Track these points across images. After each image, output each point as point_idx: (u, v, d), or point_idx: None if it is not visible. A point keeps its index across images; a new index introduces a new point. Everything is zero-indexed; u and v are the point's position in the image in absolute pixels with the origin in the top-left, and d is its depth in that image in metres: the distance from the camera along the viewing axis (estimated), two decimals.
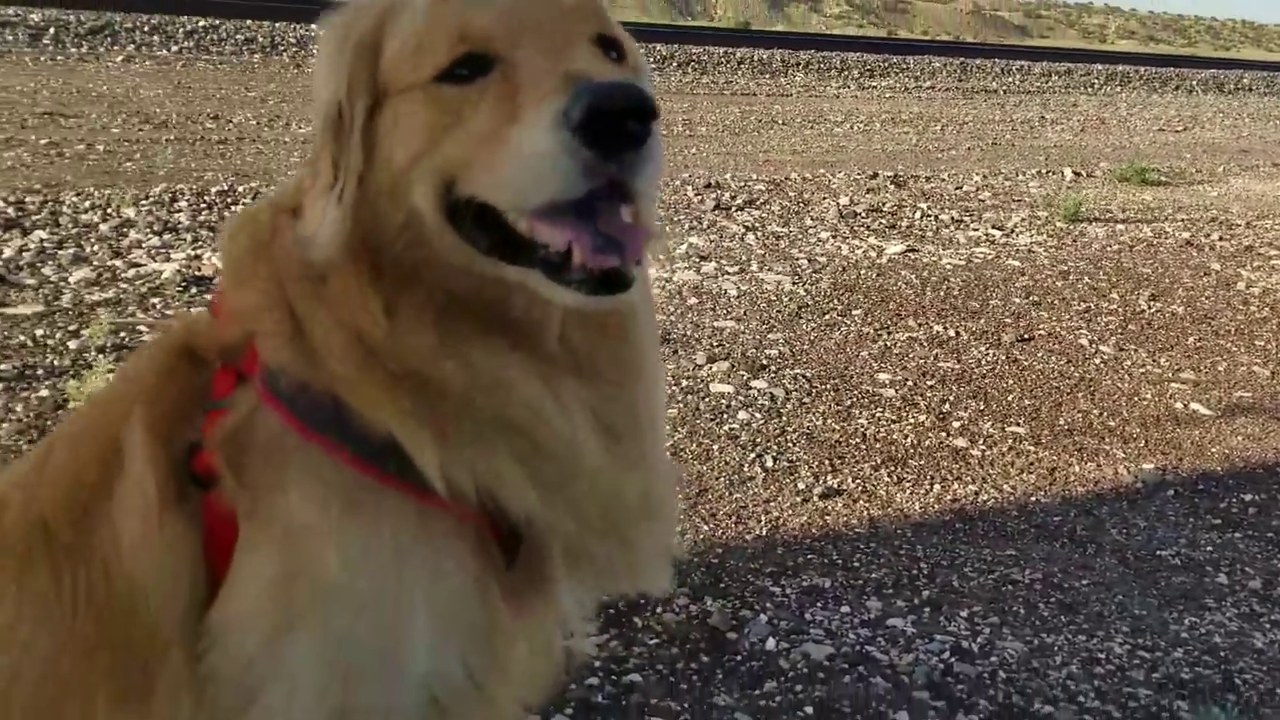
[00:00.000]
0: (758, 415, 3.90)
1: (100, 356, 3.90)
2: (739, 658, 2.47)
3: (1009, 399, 4.25)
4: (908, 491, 3.40)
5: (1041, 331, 5.14)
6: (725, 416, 3.88)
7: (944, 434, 3.87)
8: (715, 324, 4.89)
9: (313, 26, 16.29)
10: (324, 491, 1.27)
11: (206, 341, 1.38)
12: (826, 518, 3.20)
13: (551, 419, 1.28)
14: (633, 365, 1.39)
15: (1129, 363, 4.79)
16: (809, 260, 6.18)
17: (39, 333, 4.14)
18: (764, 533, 3.07)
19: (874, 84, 19.25)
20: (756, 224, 7.03)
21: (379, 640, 1.27)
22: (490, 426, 1.27)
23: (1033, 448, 3.81)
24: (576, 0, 1.29)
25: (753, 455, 3.57)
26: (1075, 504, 3.41)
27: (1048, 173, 10.25)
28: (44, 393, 3.63)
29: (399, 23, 1.29)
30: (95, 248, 5.25)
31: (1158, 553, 3.12)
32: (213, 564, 1.30)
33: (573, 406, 1.30)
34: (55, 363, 3.88)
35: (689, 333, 4.74)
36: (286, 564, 1.26)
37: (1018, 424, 4.01)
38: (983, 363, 4.64)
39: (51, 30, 13.89)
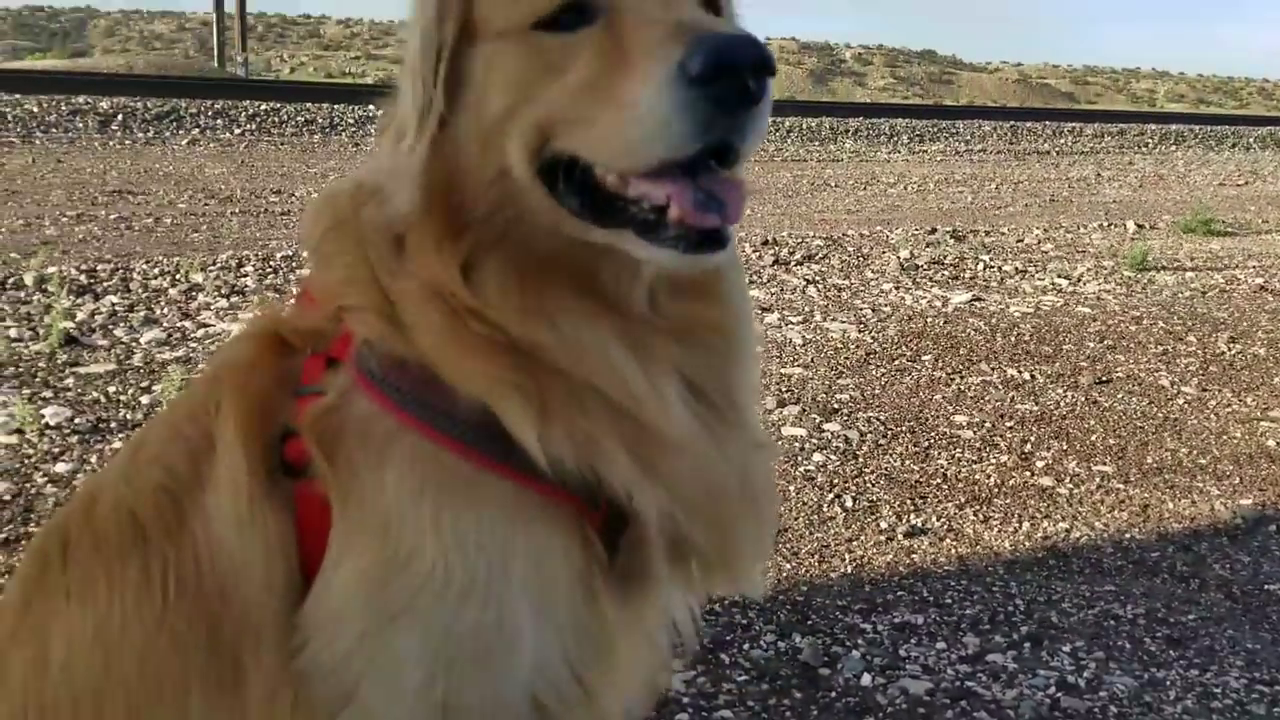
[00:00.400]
0: (833, 457, 3.81)
1: None
2: (834, 694, 2.36)
3: (1092, 439, 4.11)
4: (995, 530, 3.28)
5: (1119, 374, 5.00)
6: (800, 459, 3.79)
7: (1028, 473, 3.74)
8: (783, 371, 4.81)
9: (370, 108, 16.66)
10: (420, 477, 1.22)
11: (294, 327, 1.36)
12: (913, 556, 3.08)
13: (638, 385, 1.23)
14: (726, 329, 1.34)
15: (1214, 402, 4.63)
16: (873, 309, 6.10)
17: (112, 389, 4.17)
18: (849, 570, 2.96)
19: (924, 148, 19.23)
20: (816, 277, 6.97)
21: (481, 634, 1.21)
22: (584, 393, 1.22)
23: (1122, 485, 3.67)
24: None
25: (831, 495, 3.47)
26: (1173, 540, 3.26)
27: (1109, 226, 10.11)
28: (117, 444, 3.63)
29: None
30: (165, 310, 5.31)
31: (1266, 587, 2.96)
32: (306, 554, 1.26)
33: (662, 372, 1.26)
34: (128, 416, 3.89)
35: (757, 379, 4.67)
36: (383, 554, 1.21)
37: (1104, 463, 3.87)
38: (1061, 404, 4.51)
39: (119, 117, 14.30)
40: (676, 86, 1.07)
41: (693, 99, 1.06)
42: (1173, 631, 2.70)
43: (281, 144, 14.00)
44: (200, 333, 4.98)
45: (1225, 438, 4.19)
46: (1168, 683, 2.46)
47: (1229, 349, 5.51)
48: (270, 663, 1.24)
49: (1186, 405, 4.58)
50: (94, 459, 3.50)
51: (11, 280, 5.61)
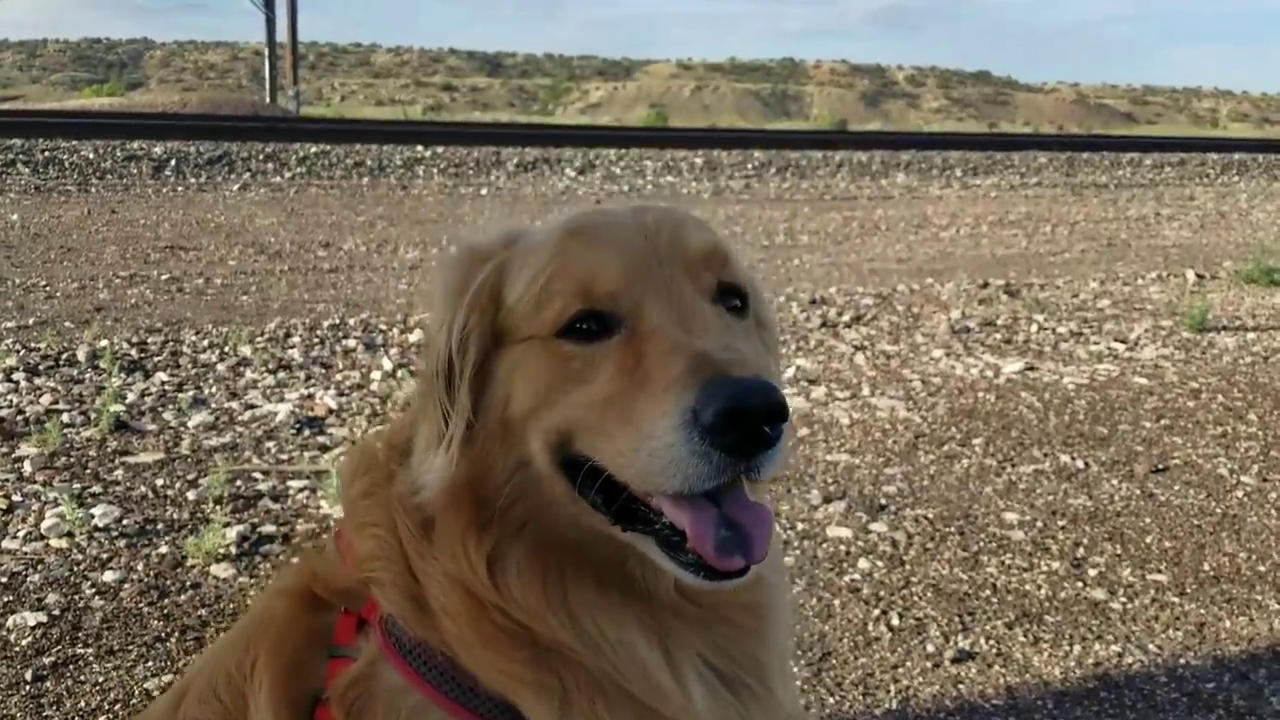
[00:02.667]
0: (879, 564, 3.74)
1: (217, 508, 3.93)
2: None
3: (1147, 540, 4.01)
4: (1045, 654, 3.19)
5: (1176, 460, 4.87)
6: (845, 565, 3.73)
7: (1080, 583, 3.65)
8: (829, 458, 4.75)
9: (418, 148, 16.87)
10: None
11: (328, 585, 1.40)
12: (960, 686, 3.01)
13: (660, 678, 1.23)
14: (758, 607, 1.33)
15: (1274, 495, 4.50)
16: (922, 382, 6.01)
17: (159, 482, 4.21)
18: (894, 706, 2.89)
19: (977, 182, 19.04)
20: (865, 342, 6.90)
21: None
22: (605, 685, 1.23)
23: (1177, 599, 3.56)
24: (703, 249, 1.28)
25: (877, 612, 3.40)
26: (1229, 667, 3.16)
27: (1168, 275, 9.92)
28: (163, 549, 3.66)
29: (521, 269, 1.29)
30: (213, 389, 5.37)
31: None
32: None
33: (685, 660, 1.26)
34: (174, 516, 3.92)
35: (802, 468, 4.61)
36: None
37: (1159, 570, 3.77)
38: (1115, 498, 4.40)
39: (173, 162, 14.58)
40: (690, 431, 1.07)
41: (706, 447, 1.07)
42: None
43: (330, 188, 14.19)
44: (247, 415, 5.02)
45: None
46: None
47: None
48: None
49: (1245, 499, 4.45)
50: (140, 566, 3.53)
51: (65, 356, 5.71)
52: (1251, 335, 7.48)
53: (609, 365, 1.18)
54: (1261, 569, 3.81)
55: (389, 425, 1.47)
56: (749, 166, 18.48)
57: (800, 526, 4.02)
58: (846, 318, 7.50)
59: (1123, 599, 3.55)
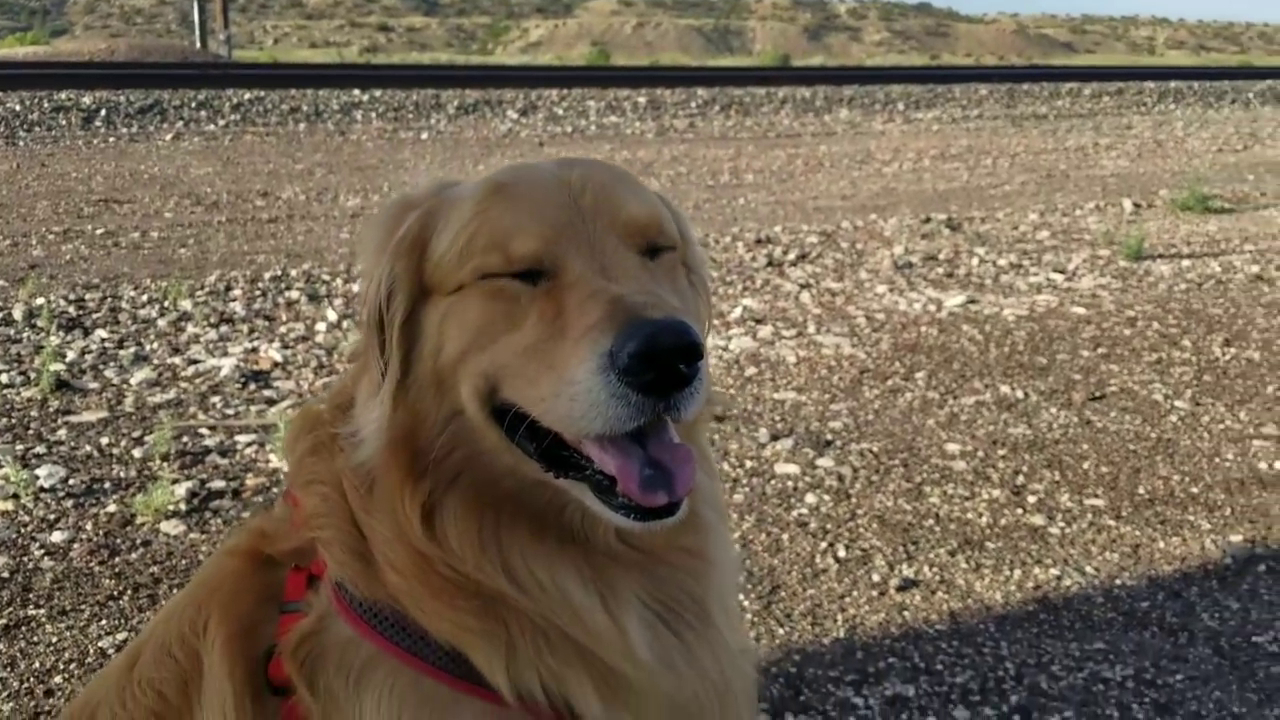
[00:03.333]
0: (826, 498, 3.81)
1: (165, 466, 3.91)
2: None
3: (1084, 466, 4.12)
4: (987, 579, 3.29)
5: (1113, 387, 4.99)
6: (793, 500, 3.80)
7: (1020, 510, 3.75)
8: (776, 396, 4.81)
9: (355, 92, 16.58)
10: (397, 702, 1.26)
11: (277, 543, 1.41)
12: (905, 613, 3.09)
13: (598, 623, 1.25)
14: (698, 550, 1.36)
15: (1207, 418, 4.63)
16: (867, 318, 6.08)
17: (104, 441, 4.17)
18: (842, 634, 2.97)
19: (920, 116, 19.11)
20: (810, 280, 6.95)
21: None
22: (549, 631, 1.26)
23: (1114, 522, 3.67)
24: (634, 216, 1.29)
25: (824, 544, 3.48)
26: (1163, 586, 3.27)
27: (1106, 205, 10.06)
28: (112, 508, 3.64)
29: (447, 223, 1.30)
30: (154, 345, 5.31)
31: (1253, 639, 2.98)
32: None
33: (624, 605, 1.28)
34: (121, 474, 3.90)
35: (750, 406, 4.67)
36: None
37: (1096, 495, 3.88)
38: (1054, 426, 4.51)
39: (103, 112, 14.23)
40: (607, 374, 1.10)
41: (622, 388, 1.09)
42: (1160, 695, 2.71)
43: (266, 135, 13.94)
44: (190, 370, 4.97)
45: (1217, 460, 4.20)
46: None
47: (1223, 354, 5.50)
48: None
49: (1180, 423, 4.58)
50: (89, 526, 3.51)
51: (1, 315, 5.60)
52: (1186, 263, 7.64)
53: (534, 311, 1.20)
54: (1194, 490, 3.93)
55: (334, 382, 1.48)
56: (693, 105, 18.39)
57: (749, 464, 4.08)
58: (792, 256, 7.54)
59: (1061, 524, 3.66)
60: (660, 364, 1.08)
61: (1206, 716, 2.64)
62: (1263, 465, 4.15)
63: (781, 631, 2.99)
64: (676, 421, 1.17)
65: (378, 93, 16.68)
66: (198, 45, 31.33)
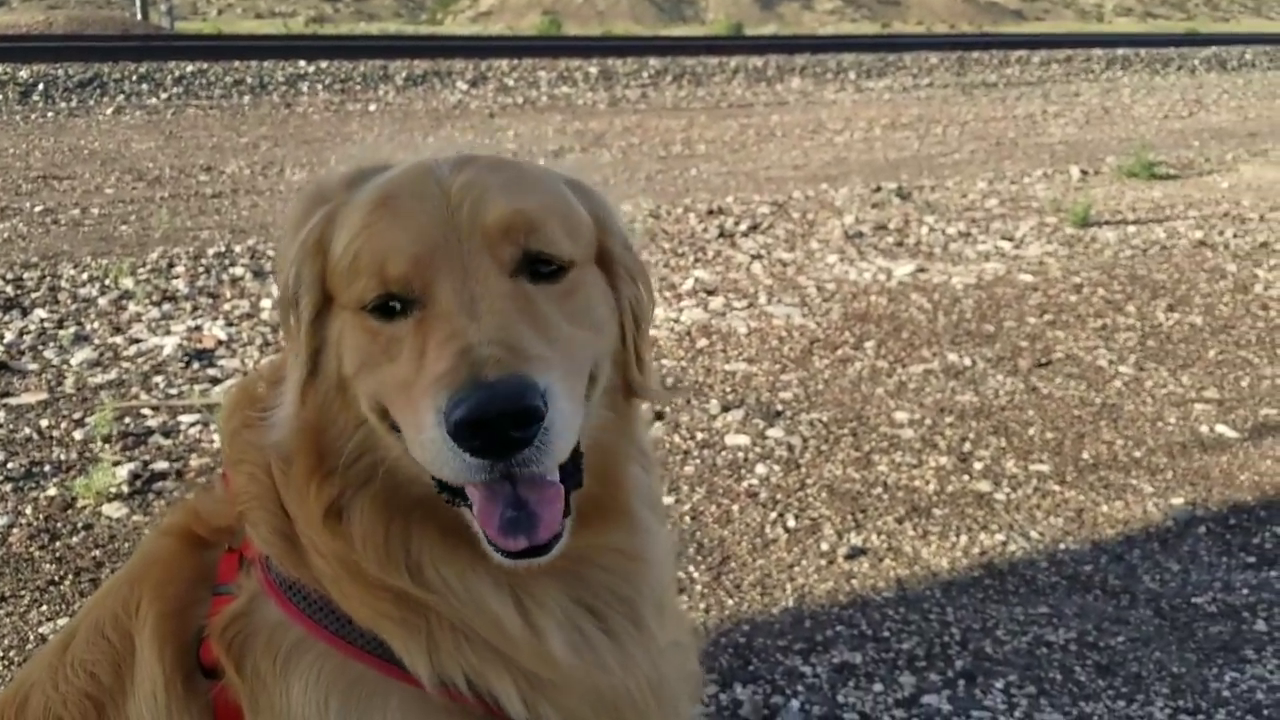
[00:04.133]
0: (776, 468, 3.83)
1: (106, 447, 3.85)
2: None
3: (1030, 433, 4.16)
4: (934, 546, 3.32)
5: (1059, 354, 5.05)
6: (743, 471, 3.81)
7: (967, 477, 3.79)
8: (727, 367, 4.82)
9: (301, 63, 16.32)
10: (324, 685, 1.25)
11: (210, 523, 1.40)
12: (853, 581, 3.12)
13: (513, 628, 1.24)
14: (629, 551, 1.35)
15: (1150, 383, 4.70)
16: (818, 288, 6.10)
17: (44, 423, 4.10)
18: (790, 604, 2.99)
19: (871, 85, 19.15)
20: (762, 251, 6.96)
21: None
22: (466, 629, 1.25)
23: (1058, 487, 3.72)
24: (502, 220, 1.23)
25: (774, 515, 3.49)
26: (1105, 549, 3.32)
27: (1054, 173, 10.14)
28: (52, 491, 3.58)
29: (342, 228, 1.28)
30: (95, 324, 5.21)
31: (1193, 600, 3.03)
32: None
33: (541, 610, 1.26)
34: (61, 456, 3.83)
35: (701, 378, 4.67)
36: None
37: (1041, 461, 3.92)
38: (1000, 393, 4.55)
39: (41, 86, 13.91)
40: (443, 431, 1.08)
41: (455, 447, 1.08)
42: (1102, 657, 2.76)
43: (210, 108, 13.70)
44: (132, 349, 4.89)
45: (1160, 425, 4.26)
46: (1096, 717, 2.52)
47: (1166, 319, 5.58)
48: None
49: (1124, 388, 4.64)
50: (28, 510, 3.45)
51: None
52: (1131, 229, 7.72)
53: (406, 346, 1.18)
54: (1137, 455, 3.99)
55: (275, 358, 1.46)
56: (645, 75, 18.29)
57: (700, 436, 4.09)
58: (743, 227, 7.54)
59: (1007, 489, 3.70)
60: (486, 432, 1.06)
61: (1147, 677, 2.68)
62: (1204, 429, 4.22)
63: (731, 602, 3.00)
64: (523, 478, 1.14)
65: (324, 64, 16.43)
66: (139, 17, 30.69)
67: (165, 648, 1.31)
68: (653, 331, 5.26)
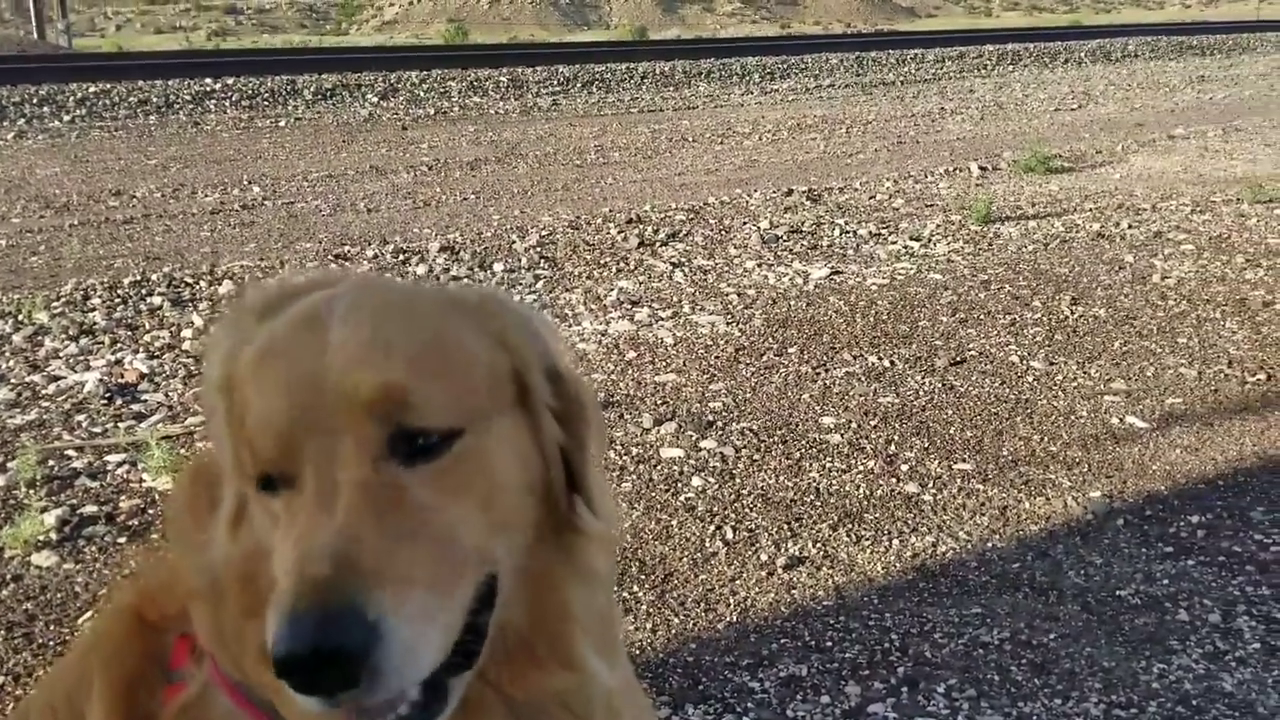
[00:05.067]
0: (711, 480, 3.90)
1: (31, 493, 3.77)
2: None
3: (951, 432, 4.31)
4: (868, 551, 3.43)
5: (973, 351, 5.22)
6: (679, 485, 3.88)
7: (894, 480, 3.91)
8: (656, 379, 4.88)
9: (207, 80, 16.01)
10: None
11: (160, 608, 1.35)
12: (793, 591, 3.20)
13: None
14: (576, 696, 1.24)
15: (1060, 377, 4.88)
16: (739, 294, 6.20)
17: None
18: (734, 619, 3.07)
19: (775, 87, 19.40)
20: (682, 259, 7.04)
21: None
22: None
23: (981, 486, 3.86)
24: (367, 393, 1.09)
25: (712, 528, 3.57)
26: (1031, 546, 3.46)
27: (955, 170, 10.42)
28: None
29: (245, 374, 1.18)
30: (10, 362, 5.09)
31: (1117, 592, 3.17)
32: None
33: None
34: None
35: (632, 391, 4.74)
36: None
37: (963, 459, 4.06)
38: (920, 394, 4.70)
39: None
40: (273, 659, 0.99)
41: (283, 681, 1.00)
42: (1036, 655, 2.88)
43: (116, 130, 13.37)
44: (52, 388, 4.79)
45: (1073, 418, 4.43)
46: (1034, 718, 2.63)
47: (1071, 312, 5.79)
48: None
49: (1036, 383, 4.82)
50: None
51: None
52: (1032, 224, 7.98)
53: (279, 527, 1.11)
54: (1053, 449, 4.15)
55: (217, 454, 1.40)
56: (554, 83, 18.29)
57: (635, 451, 4.15)
58: (662, 235, 7.62)
59: (933, 490, 3.83)
60: (301, 673, 0.97)
61: (1080, 673, 2.81)
62: (1114, 420, 4.40)
63: (676, 620, 3.06)
64: (367, 709, 1.04)
65: (230, 80, 16.13)
66: (34, 36, 29.76)
67: None
68: (581, 344, 5.34)
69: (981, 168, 10.44)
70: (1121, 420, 4.41)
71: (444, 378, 1.13)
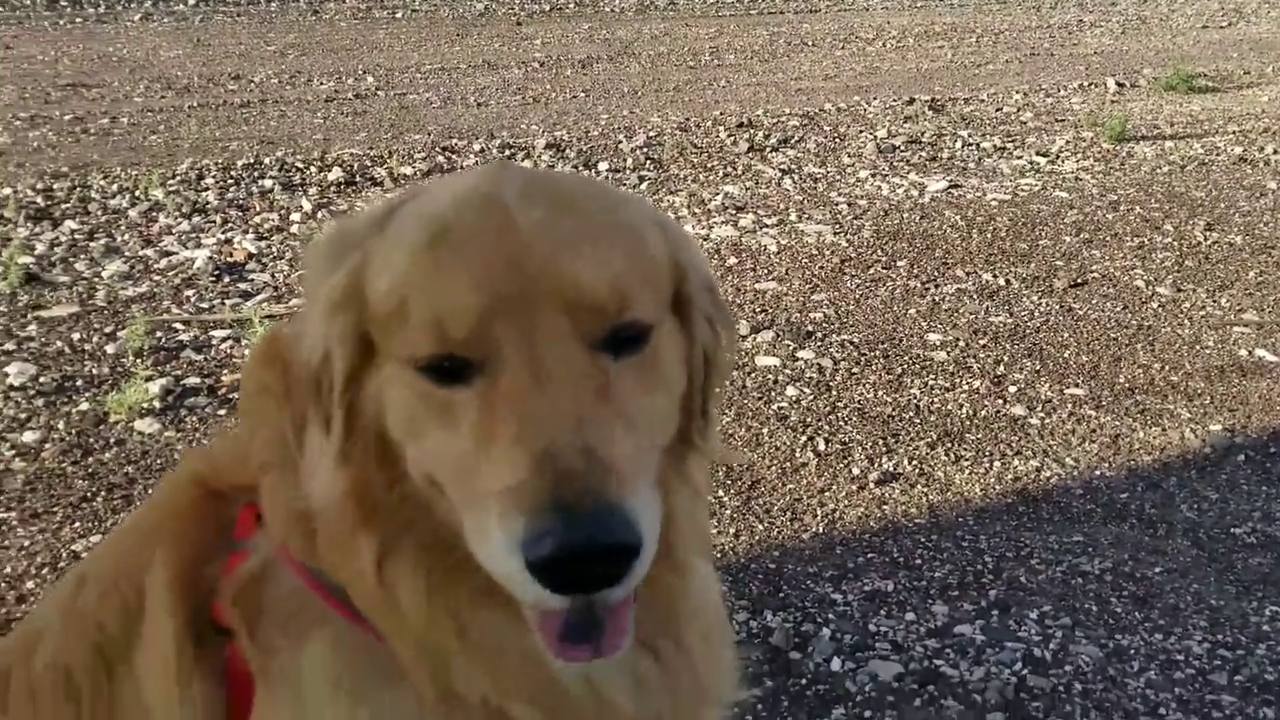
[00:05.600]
0: (806, 390, 3.80)
1: (138, 362, 3.85)
2: (804, 681, 2.40)
3: (1065, 355, 4.11)
4: (966, 472, 3.30)
5: (1095, 273, 4.96)
6: (773, 394, 3.78)
7: (1001, 401, 3.75)
8: (756, 286, 4.76)
9: None
10: (339, 662, 1.19)
11: (229, 478, 1.31)
12: (884, 507, 3.11)
13: (577, 692, 1.17)
14: (677, 590, 1.24)
15: (1188, 305, 4.62)
16: (849, 204, 6.00)
17: (75, 337, 4.10)
18: (821, 529, 2.99)
19: None
20: (792, 165, 6.84)
21: None
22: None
23: (1094, 412, 3.68)
24: (589, 285, 1.04)
25: (804, 438, 3.47)
26: (1142, 477, 3.29)
27: (1090, 85, 9.91)
28: (84, 406, 3.59)
29: (382, 270, 1.09)
30: (126, 236, 5.20)
31: (1232, 530, 3.00)
32: (238, 717, 1.23)
33: (605, 675, 1.18)
34: (94, 371, 3.84)
35: (730, 298, 4.62)
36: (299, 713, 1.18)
37: (1076, 384, 3.88)
38: (1035, 314, 4.49)
39: None
40: (519, 559, 0.95)
41: (534, 580, 0.95)
42: (1138, 588, 2.74)
43: (238, 15, 13.52)
44: (163, 263, 4.88)
45: (1198, 348, 4.19)
46: (1132, 651, 2.51)
47: (1205, 238, 5.47)
48: None
49: (1161, 310, 4.56)
50: (61, 425, 3.47)
51: None
52: (1169, 144, 7.55)
53: (465, 419, 1.02)
54: (1174, 379, 3.94)
55: (296, 321, 1.26)
56: None
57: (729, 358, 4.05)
58: (774, 141, 7.41)
59: (1041, 414, 3.66)
60: (574, 573, 0.94)
61: (1185, 609, 2.67)
62: (1242, 352, 4.15)
63: (760, 527, 2.99)
64: (604, 602, 1.01)
65: None
66: None
67: (177, 605, 1.24)
68: None
69: (1119, 84, 9.90)
70: (1250, 353, 4.15)
71: (647, 279, 1.10)
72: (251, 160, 6.47)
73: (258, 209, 5.68)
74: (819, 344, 4.17)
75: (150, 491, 3.13)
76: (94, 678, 1.29)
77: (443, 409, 1.04)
